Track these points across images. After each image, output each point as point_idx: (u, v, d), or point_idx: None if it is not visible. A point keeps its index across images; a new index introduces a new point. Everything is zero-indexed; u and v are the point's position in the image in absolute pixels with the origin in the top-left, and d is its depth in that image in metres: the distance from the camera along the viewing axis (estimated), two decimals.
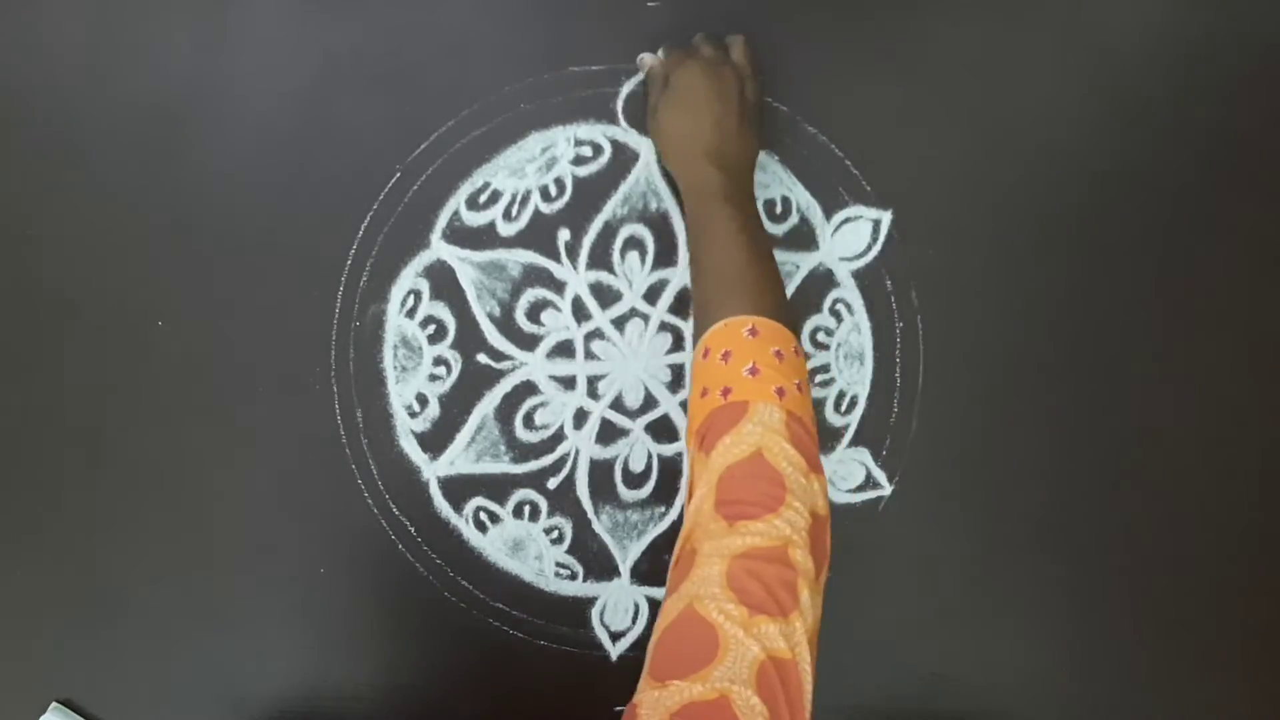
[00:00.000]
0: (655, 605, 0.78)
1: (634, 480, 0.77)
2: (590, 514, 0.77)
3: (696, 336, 0.63)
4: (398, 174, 0.75)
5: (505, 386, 0.77)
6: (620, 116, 0.75)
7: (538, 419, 0.77)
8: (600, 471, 0.77)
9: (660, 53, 0.73)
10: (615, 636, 0.78)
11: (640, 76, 0.75)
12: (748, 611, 0.49)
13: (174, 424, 0.76)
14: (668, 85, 0.69)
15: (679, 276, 0.76)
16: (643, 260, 0.76)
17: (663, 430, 0.77)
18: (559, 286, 0.76)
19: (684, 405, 0.77)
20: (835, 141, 0.76)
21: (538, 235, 0.76)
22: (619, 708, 0.78)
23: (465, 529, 0.77)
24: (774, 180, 0.76)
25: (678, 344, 0.77)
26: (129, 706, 0.79)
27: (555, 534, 0.78)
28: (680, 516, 0.78)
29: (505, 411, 0.77)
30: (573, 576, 0.78)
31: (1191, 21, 0.77)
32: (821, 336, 0.77)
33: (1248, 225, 0.77)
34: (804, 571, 0.52)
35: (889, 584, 0.78)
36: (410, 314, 0.76)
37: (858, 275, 0.77)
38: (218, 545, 0.77)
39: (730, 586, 0.50)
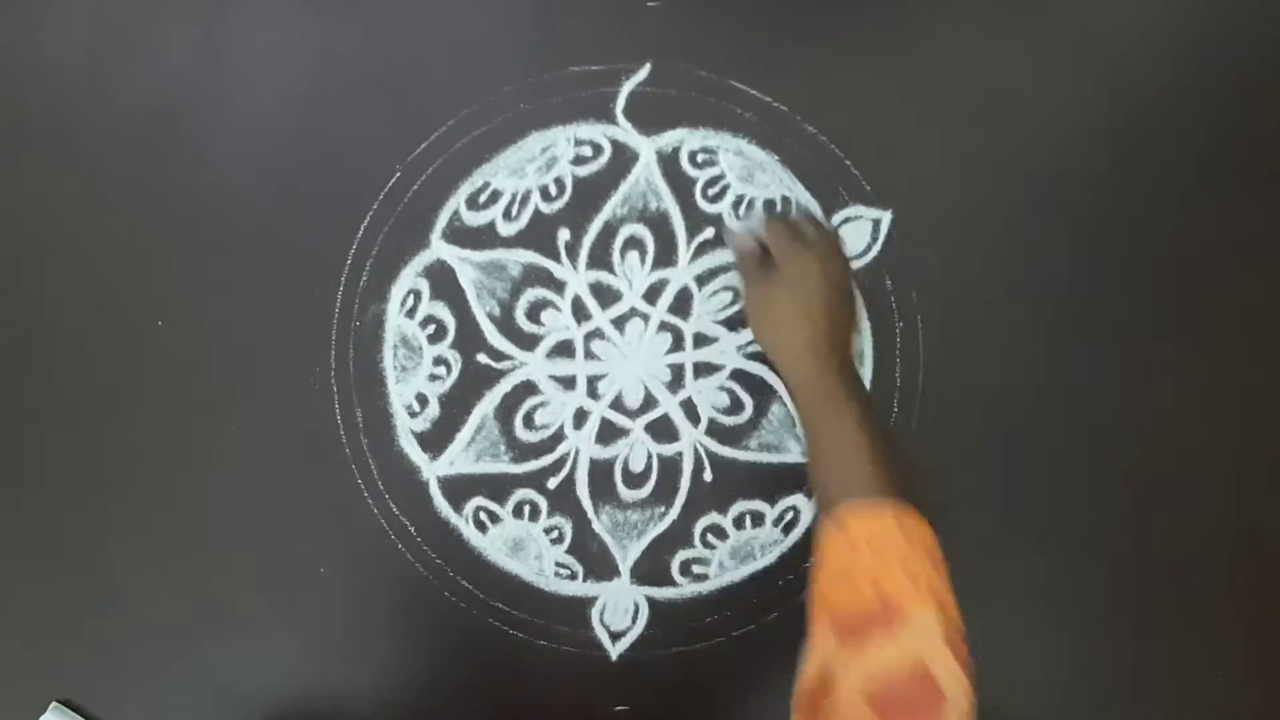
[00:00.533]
0: (655, 605, 0.78)
1: (634, 480, 0.77)
2: (590, 514, 0.77)
3: (824, 509, 0.63)
4: (398, 174, 0.75)
5: (505, 386, 0.77)
6: (620, 116, 0.75)
7: (538, 419, 0.77)
8: (600, 471, 0.77)
9: (754, 224, 0.71)
10: (615, 636, 0.78)
11: (642, 75, 0.75)
12: None
13: (174, 424, 0.76)
14: (779, 277, 0.68)
15: (679, 276, 0.76)
16: (643, 260, 0.76)
17: (663, 430, 0.77)
18: (559, 286, 0.76)
19: (684, 405, 0.77)
20: (835, 141, 0.76)
21: (538, 235, 0.76)
22: (619, 708, 0.78)
23: (465, 529, 0.77)
24: (774, 180, 0.76)
25: (678, 344, 0.77)
26: (129, 706, 0.79)
27: (555, 534, 0.78)
28: (680, 515, 0.78)
29: (505, 411, 0.77)
30: (572, 576, 0.78)
31: (1192, 20, 0.77)
32: None
33: (1248, 225, 0.77)
34: None
35: None
36: (410, 314, 0.76)
37: (858, 275, 0.77)
38: (218, 545, 0.77)
39: None
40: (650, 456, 0.78)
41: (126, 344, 0.76)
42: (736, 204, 0.76)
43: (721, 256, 0.76)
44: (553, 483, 0.77)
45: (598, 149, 0.76)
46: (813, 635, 0.60)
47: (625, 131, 0.76)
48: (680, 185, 0.76)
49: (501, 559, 0.78)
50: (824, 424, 0.66)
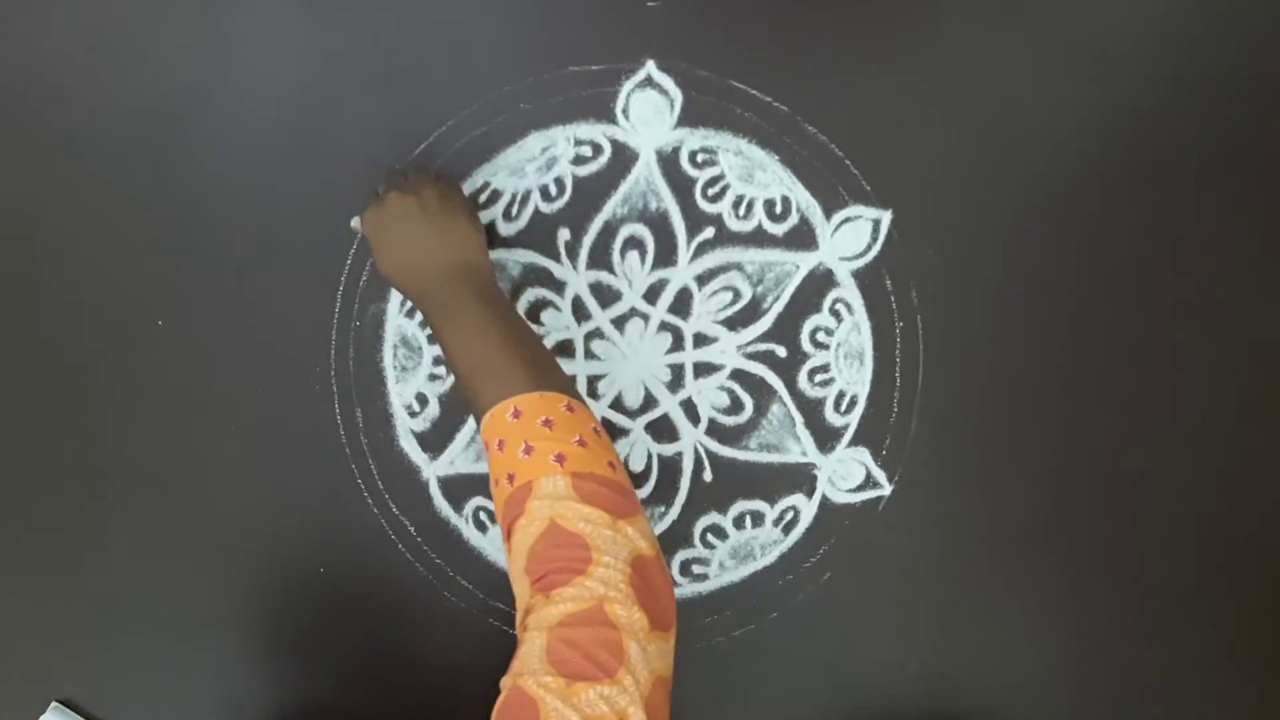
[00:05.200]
0: None
1: (634, 480, 0.77)
2: None
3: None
4: None
5: None
6: (620, 116, 0.75)
7: None
8: None
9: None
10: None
11: (641, 75, 0.75)
12: (565, 681, 0.49)
13: (174, 424, 0.76)
14: (379, 234, 0.69)
15: (679, 276, 0.76)
16: (642, 260, 0.76)
17: (663, 430, 0.77)
18: (559, 286, 0.76)
19: (684, 405, 0.77)
20: (835, 141, 0.76)
21: (538, 235, 0.76)
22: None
23: (465, 529, 0.77)
24: (774, 180, 0.76)
25: (677, 344, 0.77)
26: (129, 706, 0.79)
27: None
28: (680, 515, 0.78)
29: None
30: None
31: (1192, 20, 0.77)
32: (821, 336, 0.77)
33: (1249, 225, 0.77)
34: (627, 626, 0.51)
35: (889, 584, 0.78)
36: (410, 314, 0.76)
37: (858, 275, 0.77)
38: (217, 545, 0.77)
39: (549, 659, 0.50)
40: (650, 456, 0.78)
41: (126, 344, 0.76)
42: (736, 204, 0.76)
43: (722, 256, 0.76)
44: None
45: (597, 149, 0.76)
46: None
47: (625, 131, 0.76)
48: (680, 185, 0.76)
49: (501, 559, 0.78)
50: (446, 340, 0.65)
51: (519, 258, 0.76)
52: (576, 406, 0.59)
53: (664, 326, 0.77)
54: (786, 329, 0.77)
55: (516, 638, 0.53)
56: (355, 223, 0.72)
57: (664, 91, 0.75)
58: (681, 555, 0.78)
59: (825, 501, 0.78)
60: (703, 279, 0.76)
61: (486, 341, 0.62)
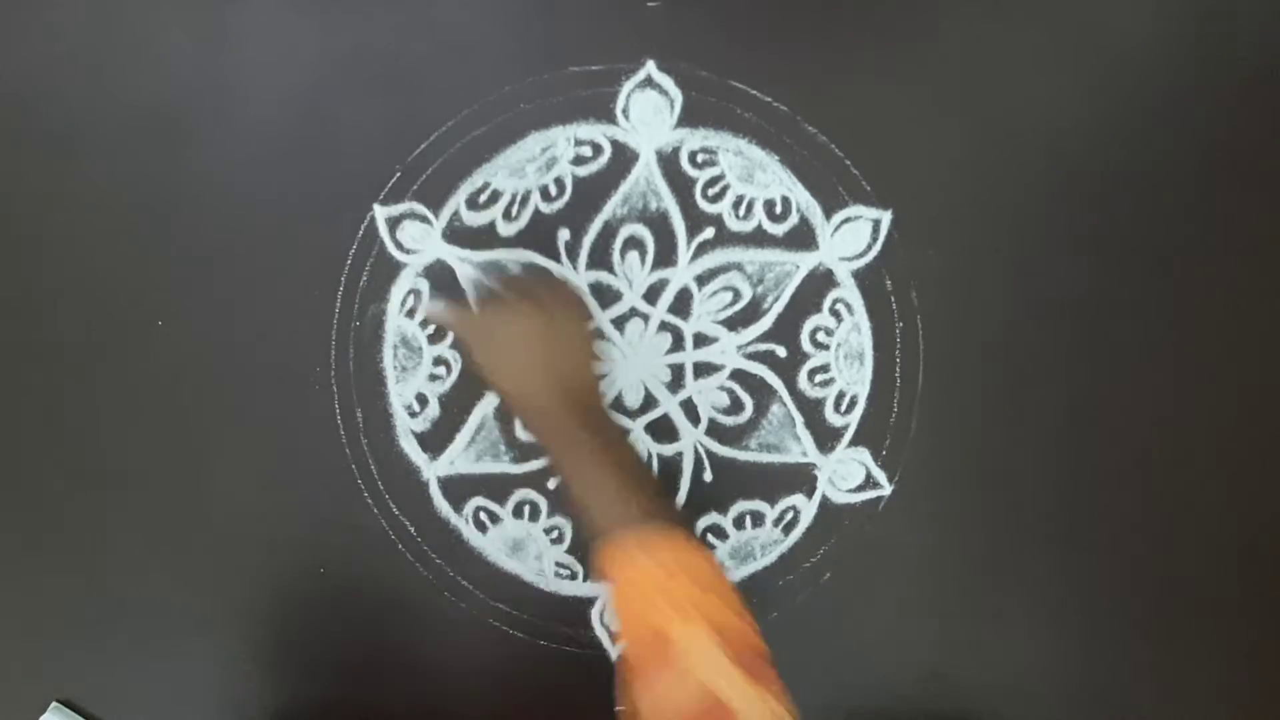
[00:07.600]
0: None
1: None
2: None
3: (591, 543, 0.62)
4: (398, 174, 0.75)
5: None
6: (620, 116, 0.75)
7: None
8: None
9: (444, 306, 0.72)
10: (615, 636, 0.78)
11: (641, 75, 0.75)
12: None
13: (174, 424, 0.76)
14: (493, 339, 0.67)
15: (679, 276, 0.76)
16: (643, 260, 0.76)
17: (663, 430, 0.77)
18: None
19: (684, 405, 0.77)
20: (835, 141, 0.76)
21: (538, 235, 0.76)
22: (620, 708, 0.78)
23: (465, 529, 0.77)
24: (774, 180, 0.76)
25: (678, 344, 0.77)
26: (129, 706, 0.79)
27: (555, 534, 0.78)
28: (680, 516, 0.78)
29: (505, 411, 0.76)
30: (572, 576, 0.78)
31: (1193, 20, 0.77)
32: (821, 336, 0.77)
33: (1250, 225, 0.77)
34: None
35: (889, 584, 0.78)
36: (410, 314, 0.76)
37: (858, 275, 0.77)
38: (218, 545, 0.77)
39: None
40: (650, 456, 0.78)
41: (126, 344, 0.76)
42: (736, 204, 0.76)
43: (722, 256, 0.76)
44: (553, 483, 0.77)
45: (598, 149, 0.76)
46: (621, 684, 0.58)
47: (625, 131, 0.76)
48: (680, 185, 0.76)
49: (501, 559, 0.78)
50: (567, 460, 0.65)
51: (519, 258, 0.76)
52: (693, 540, 0.59)
53: (664, 326, 0.77)
54: (786, 329, 0.77)
55: (517, 637, 0.53)
56: (436, 309, 0.71)
57: (664, 91, 0.75)
58: None
59: (825, 501, 0.78)
60: (703, 279, 0.76)
61: (614, 465, 0.63)
